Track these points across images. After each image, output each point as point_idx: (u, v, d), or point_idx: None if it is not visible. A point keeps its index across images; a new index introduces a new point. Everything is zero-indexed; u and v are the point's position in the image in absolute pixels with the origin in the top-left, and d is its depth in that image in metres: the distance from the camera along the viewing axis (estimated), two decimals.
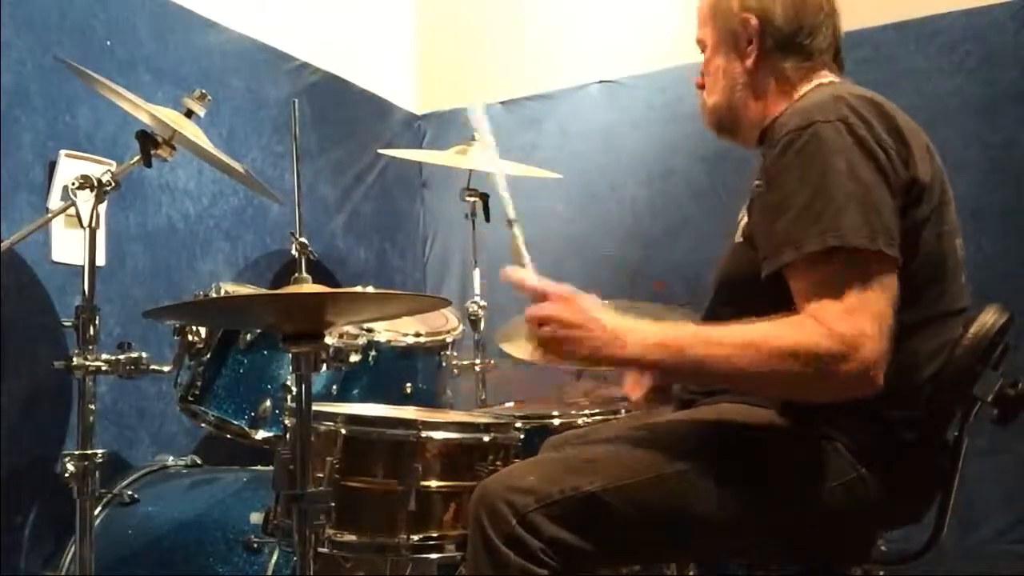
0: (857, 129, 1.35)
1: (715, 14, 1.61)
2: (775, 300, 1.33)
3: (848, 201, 1.31)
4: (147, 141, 1.92)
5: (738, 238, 1.53)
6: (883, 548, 1.59)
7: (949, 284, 1.46)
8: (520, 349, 2.51)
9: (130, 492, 2.14)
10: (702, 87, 1.68)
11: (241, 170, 2.15)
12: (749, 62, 1.57)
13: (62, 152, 2.40)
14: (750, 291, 1.38)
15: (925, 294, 1.42)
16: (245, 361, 2.19)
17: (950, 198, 1.48)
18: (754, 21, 1.55)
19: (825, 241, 1.30)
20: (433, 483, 1.68)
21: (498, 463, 1.71)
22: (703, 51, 1.66)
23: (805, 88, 1.56)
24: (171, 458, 2.33)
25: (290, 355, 1.52)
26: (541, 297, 1.42)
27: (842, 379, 1.28)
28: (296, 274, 1.56)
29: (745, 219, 1.52)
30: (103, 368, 1.82)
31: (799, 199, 1.33)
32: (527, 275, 1.48)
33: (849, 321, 1.27)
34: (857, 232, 1.30)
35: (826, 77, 1.57)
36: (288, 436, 1.79)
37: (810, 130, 1.36)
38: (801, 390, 1.35)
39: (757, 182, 1.46)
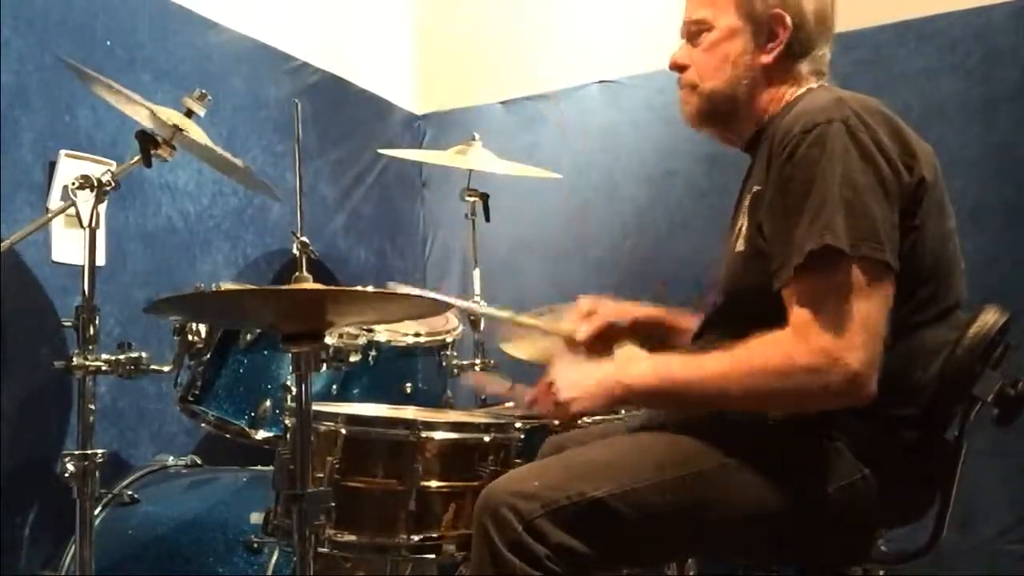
0: (857, 131, 1.35)
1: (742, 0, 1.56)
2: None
3: (839, 205, 1.31)
4: (147, 141, 1.91)
5: (739, 247, 1.49)
6: (883, 548, 1.59)
7: (948, 285, 1.46)
8: (520, 349, 2.51)
9: (130, 492, 2.14)
10: (682, 69, 1.61)
11: (241, 167, 2.14)
12: (769, 57, 1.54)
13: (62, 152, 2.40)
14: (762, 301, 1.37)
15: (924, 294, 1.42)
16: (245, 361, 2.19)
17: (948, 200, 1.48)
18: (789, 20, 1.53)
19: (822, 239, 1.30)
20: (433, 483, 1.67)
21: (498, 463, 1.71)
22: (701, 31, 1.58)
23: (799, 91, 1.55)
24: (171, 458, 2.33)
25: (290, 355, 1.52)
26: (532, 399, 1.55)
27: (825, 391, 1.30)
28: (297, 273, 1.56)
29: (745, 225, 1.49)
30: (103, 368, 1.82)
31: (803, 205, 1.33)
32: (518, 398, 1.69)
33: (830, 333, 1.29)
34: (840, 238, 1.30)
35: (815, 82, 1.56)
36: (288, 436, 1.79)
37: (815, 132, 1.35)
38: (788, 405, 1.38)
39: (757, 187, 1.45)
